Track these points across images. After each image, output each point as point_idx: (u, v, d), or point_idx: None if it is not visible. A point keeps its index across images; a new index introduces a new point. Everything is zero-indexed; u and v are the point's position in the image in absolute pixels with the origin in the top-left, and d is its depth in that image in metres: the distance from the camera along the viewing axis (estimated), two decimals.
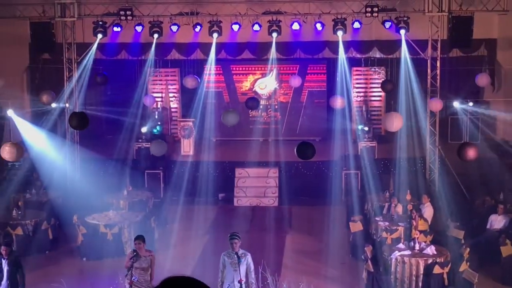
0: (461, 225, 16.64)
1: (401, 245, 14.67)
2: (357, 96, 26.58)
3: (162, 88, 27.13)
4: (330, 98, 24.29)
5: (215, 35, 21.87)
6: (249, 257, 11.72)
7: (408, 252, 14.24)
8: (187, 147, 23.92)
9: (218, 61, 24.90)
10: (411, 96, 22.73)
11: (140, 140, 24.05)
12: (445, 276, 13.79)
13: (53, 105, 23.35)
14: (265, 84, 27.19)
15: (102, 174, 22.11)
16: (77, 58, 22.35)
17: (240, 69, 27.17)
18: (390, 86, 22.93)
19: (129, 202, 19.26)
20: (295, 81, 24.22)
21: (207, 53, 24.00)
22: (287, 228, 19.44)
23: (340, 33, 21.46)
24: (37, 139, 22.44)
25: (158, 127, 24.97)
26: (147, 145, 22.70)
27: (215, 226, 19.51)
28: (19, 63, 25.34)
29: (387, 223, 16.76)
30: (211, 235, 18.46)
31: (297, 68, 26.49)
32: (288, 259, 16.61)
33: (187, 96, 26.12)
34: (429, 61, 21.63)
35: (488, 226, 17.05)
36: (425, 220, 16.66)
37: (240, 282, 11.45)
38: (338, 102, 23.22)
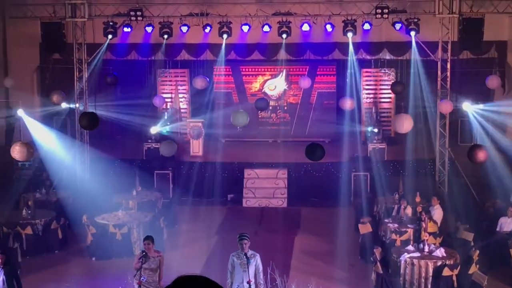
0: (470, 228, 16.58)
1: (410, 247, 14.63)
2: (367, 98, 26.53)
3: (171, 89, 27.15)
4: (339, 99, 24.29)
5: (225, 36, 21.89)
6: (258, 258, 11.71)
7: (417, 254, 14.20)
8: (196, 147, 23.95)
9: (227, 62, 24.93)
10: (421, 98, 22.70)
11: (149, 141, 24.09)
12: (454, 278, 13.75)
13: (63, 105, 23.43)
14: (275, 85, 27.20)
15: (112, 174, 22.15)
16: (87, 59, 22.41)
17: (250, 70, 27.18)
18: (400, 87, 22.88)
19: (138, 202, 19.28)
20: (305, 82, 24.20)
21: (216, 54, 24.04)
22: (296, 230, 19.41)
23: (350, 34, 21.45)
24: (47, 139, 22.52)
25: (167, 128, 24.99)
26: (157, 146, 22.73)
27: (223, 227, 19.51)
28: (29, 63, 25.46)
29: (396, 225, 16.72)
30: (220, 236, 18.46)
31: (307, 69, 26.48)
32: (296, 261, 16.59)
33: (197, 97, 26.16)
34: (439, 63, 21.58)
35: (497, 229, 16.98)
36: (435, 222, 16.61)
37: (249, 283, 11.44)
38: (348, 104, 23.22)
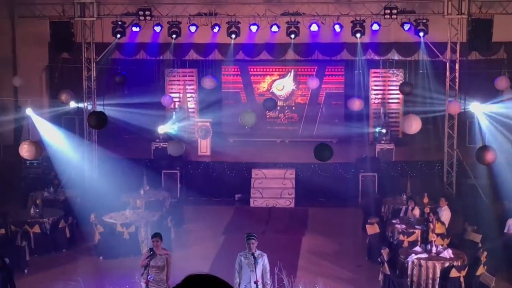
0: (478, 229, 16.53)
1: (418, 248, 14.60)
2: (375, 98, 26.51)
3: (180, 88, 27.19)
4: (347, 100, 24.27)
5: (233, 35, 21.90)
6: (265, 258, 11.70)
7: (425, 255, 14.18)
8: (204, 147, 23.96)
9: (236, 61, 24.99)
10: (429, 99, 22.67)
11: (157, 140, 24.12)
12: (462, 279, 13.72)
13: (72, 104, 23.47)
14: (283, 85, 27.20)
15: (120, 173, 22.17)
16: (96, 58, 22.45)
17: (258, 70, 27.19)
18: (409, 88, 22.83)
19: (146, 202, 19.30)
20: (313, 83, 24.20)
21: (225, 54, 24.08)
22: (303, 230, 19.39)
23: (358, 35, 21.43)
24: (55, 138, 22.58)
25: (175, 127, 25.01)
26: (165, 145, 22.75)
27: (231, 226, 19.52)
28: (38, 62, 25.54)
29: (404, 226, 16.67)
30: (227, 236, 18.47)
31: (315, 70, 26.47)
32: (304, 261, 16.59)
33: (205, 97, 26.19)
34: (448, 64, 21.54)
35: (505, 230, 16.92)
36: (442, 223, 16.57)
37: (256, 283, 11.44)
38: (356, 104, 23.20)
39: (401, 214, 17.74)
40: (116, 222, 17.15)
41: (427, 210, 17.08)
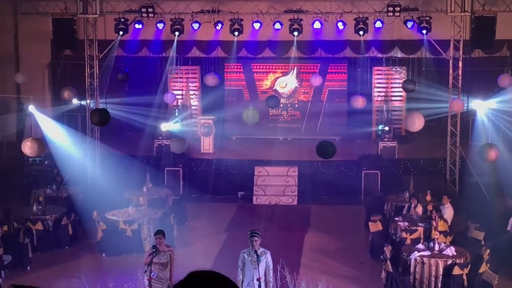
0: (481, 226, 16.52)
1: (420, 246, 14.59)
2: (378, 96, 26.48)
3: (182, 86, 27.19)
4: (350, 97, 24.25)
5: (236, 33, 21.89)
6: (268, 256, 11.70)
7: (427, 253, 14.16)
8: (207, 145, 23.95)
9: (238, 59, 24.97)
10: (433, 96, 22.63)
11: (160, 137, 24.13)
12: (464, 277, 13.70)
13: (74, 101, 23.48)
14: (286, 82, 27.18)
15: (122, 170, 22.19)
16: (99, 55, 22.44)
17: (261, 67, 27.17)
18: (412, 86, 22.79)
19: (148, 199, 19.30)
20: (316, 80, 24.20)
21: (228, 51, 24.06)
22: (306, 227, 19.38)
23: (361, 32, 21.42)
24: (58, 135, 22.58)
25: (178, 125, 25.00)
26: (167, 142, 22.76)
27: (233, 224, 19.51)
28: (41, 59, 25.52)
29: (406, 224, 16.67)
30: (230, 233, 18.47)
31: (318, 67, 26.45)
32: (306, 258, 16.58)
33: (208, 94, 26.18)
34: (451, 62, 21.52)
35: (508, 228, 16.89)
36: (445, 221, 16.56)
37: (259, 280, 11.43)
38: (359, 102, 23.19)
39: (404, 212, 17.73)
40: (118, 219, 17.14)
41: (430, 207, 17.06)
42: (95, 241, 17.31)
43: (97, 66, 22.41)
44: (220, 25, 22.13)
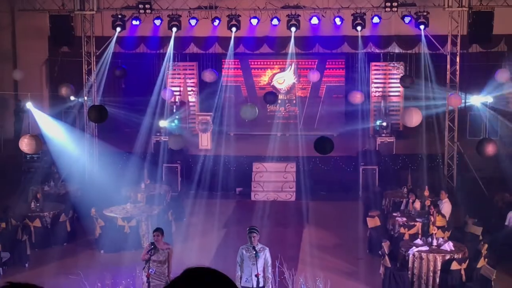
0: (479, 221, 16.53)
1: (418, 241, 14.61)
2: (376, 91, 26.49)
3: (180, 82, 27.16)
4: (348, 93, 24.23)
5: (233, 29, 21.86)
6: (267, 252, 11.71)
7: (425, 248, 14.18)
8: (205, 141, 23.95)
9: (236, 55, 24.92)
10: (430, 92, 22.63)
11: (158, 134, 24.11)
12: (462, 272, 13.72)
13: (72, 98, 23.45)
14: (284, 78, 27.17)
15: (120, 167, 22.17)
16: (96, 52, 22.42)
17: (259, 63, 27.15)
18: (409, 81, 22.80)
19: (146, 196, 19.29)
20: (314, 76, 24.19)
21: (225, 47, 24.02)
22: (304, 223, 19.40)
23: (359, 28, 21.41)
24: (55, 131, 22.56)
25: (176, 121, 24.98)
26: (165, 139, 22.74)
27: (232, 220, 19.52)
28: (38, 56, 25.47)
29: (404, 219, 16.68)
30: (228, 229, 18.48)
31: (316, 63, 26.44)
32: (305, 254, 16.58)
33: (205, 90, 26.15)
34: (448, 57, 21.52)
35: (506, 223, 16.91)
36: (443, 216, 16.56)
37: (257, 276, 11.45)
38: (357, 97, 23.19)
39: (402, 207, 17.73)
40: (117, 216, 17.14)
41: (427, 203, 17.07)
42: (93, 238, 17.32)
43: (94, 62, 22.39)
44: (217, 21, 22.10)
